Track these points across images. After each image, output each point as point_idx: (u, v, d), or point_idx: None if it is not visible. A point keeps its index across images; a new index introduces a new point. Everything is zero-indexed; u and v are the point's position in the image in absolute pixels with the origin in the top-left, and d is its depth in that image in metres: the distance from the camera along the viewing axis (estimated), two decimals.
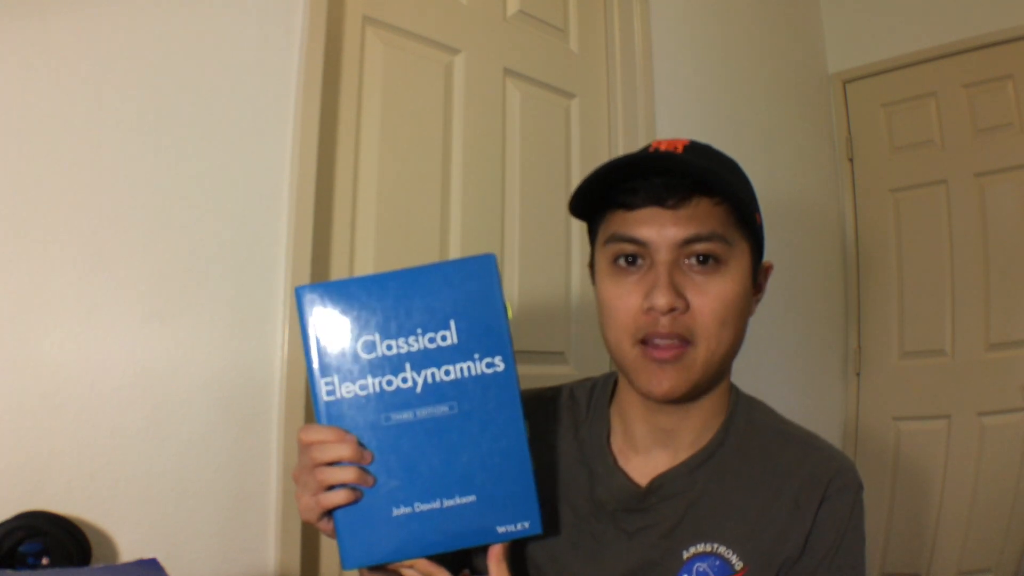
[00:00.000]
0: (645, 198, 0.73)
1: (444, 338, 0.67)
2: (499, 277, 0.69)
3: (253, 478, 1.27)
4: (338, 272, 1.46)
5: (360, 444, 0.66)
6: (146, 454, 1.16)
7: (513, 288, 1.74)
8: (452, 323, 0.67)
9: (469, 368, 0.68)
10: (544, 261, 1.80)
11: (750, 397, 0.85)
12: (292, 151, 1.35)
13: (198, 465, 1.21)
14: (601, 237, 0.78)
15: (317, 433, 0.66)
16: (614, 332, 0.76)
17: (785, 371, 2.34)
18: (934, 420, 2.39)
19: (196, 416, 1.21)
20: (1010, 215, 2.32)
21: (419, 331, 0.67)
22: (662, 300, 0.71)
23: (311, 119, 1.37)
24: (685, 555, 0.76)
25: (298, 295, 0.68)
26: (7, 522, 0.99)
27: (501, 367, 0.68)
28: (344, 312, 0.67)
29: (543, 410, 0.86)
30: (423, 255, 1.58)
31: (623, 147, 1.95)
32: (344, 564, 0.67)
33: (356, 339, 0.67)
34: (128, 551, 1.13)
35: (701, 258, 0.73)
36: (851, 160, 2.67)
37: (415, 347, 0.67)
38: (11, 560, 0.97)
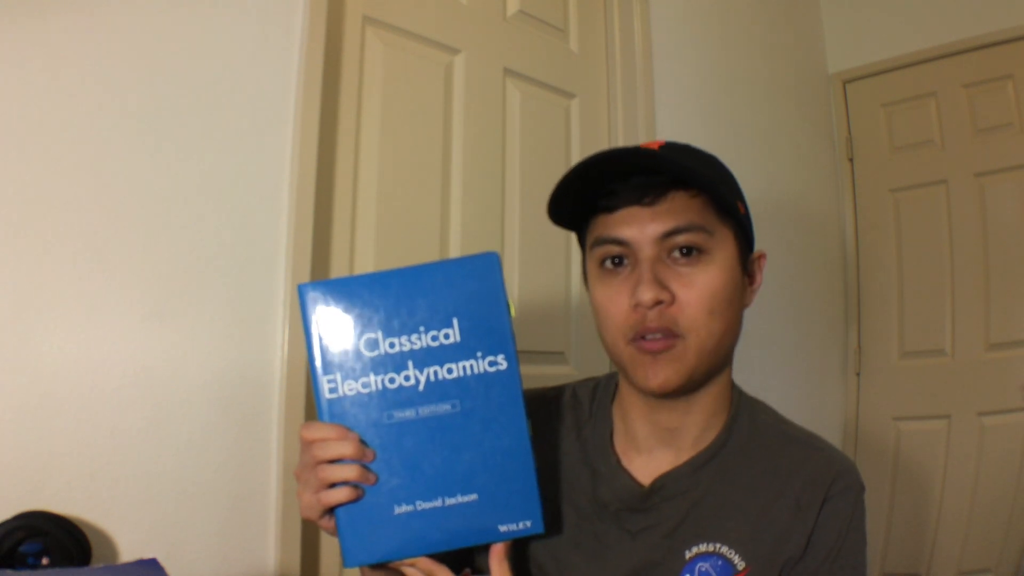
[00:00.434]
0: (624, 199, 0.74)
1: (447, 336, 0.67)
2: (502, 275, 0.69)
3: (253, 478, 1.27)
4: (338, 272, 1.46)
5: (362, 442, 0.66)
6: (146, 454, 1.16)
7: (513, 288, 1.74)
8: (455, 321, 0.67)
9: (472, 366, 0.68)
10: (544, 261, 1.80)
11: (752, 398, 0.86)
12: (292, 151, 1.35)
13: (198, 465, 1.21)
14: (588, 242, 0.80)
15: (319, 431, 0.66)
16: (608, 333, 0.77)
17: (785, 371, 2.34)
18: (934, 420, 2.39)
19: (196, 416, 1.21)
20: (1010, 215, 2.32)
21: (422, 329, 0.67)
22: (646, 295, 0.71)
23: (311, 119, 1.37)
24: (687, 555, 0.76)
25: (301, 292, 0.68)
26: (7, 522, 0.99)
27: (504, 365, 0.68)
28: (347, 310, 0.67)
29: (546, 410, 0.86)
30: (423, 255, 1.57)
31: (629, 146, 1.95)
32: (345, 562, 0.67)
33: (359, 337, 0.67)
34: (128, 551, 1.13)
35: (684, 250, 0.74)
36: (851, 160, 2.67)
37: (418, 345, 0.67)
38: (11, 560, 0.97)
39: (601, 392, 0.87)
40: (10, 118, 1.09)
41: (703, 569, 0.75)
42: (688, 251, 0.74)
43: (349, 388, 0.67)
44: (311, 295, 0.68)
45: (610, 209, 0.76)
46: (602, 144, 1.97)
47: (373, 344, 0.67)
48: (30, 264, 1.08)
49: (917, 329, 2.47)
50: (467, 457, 0.67)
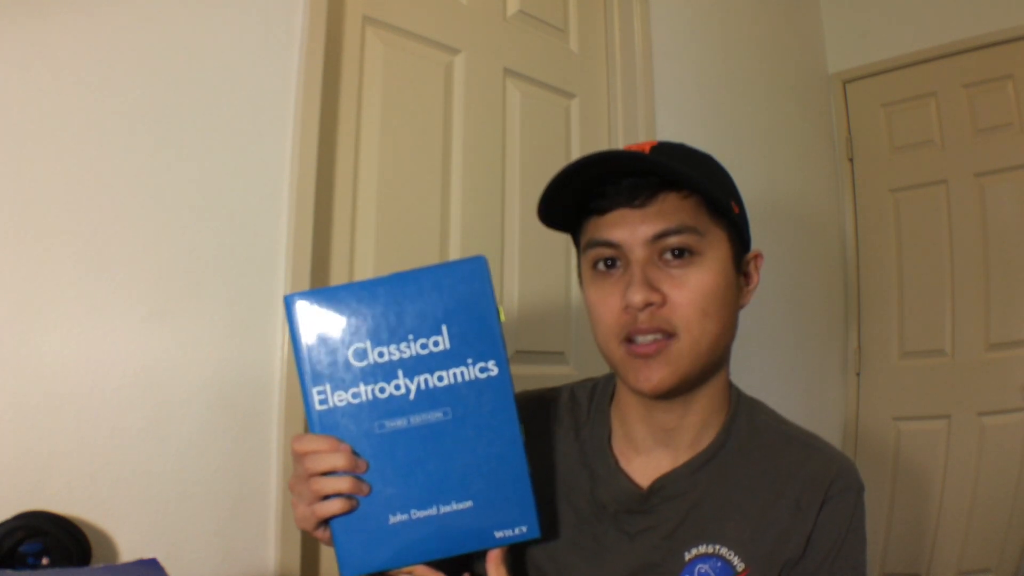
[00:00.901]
0: (614, 200, 0.74)
1: (436, 344, 0.67)
2: (491, 280, 0.68)
3: (253, 478, 1.27)
4: (338, 272, 1.45)
5: (354, 453, 0.66)
6: (146, 454, 1.16)
7: (513, 288, 1.74)
8: (444, 328, 0.67)
9: (462, 373, 0.67)
10: (544, 261, 1.80)
11: (751, 398, 0.85)
12: (292, 151, 1.35)
13: (198, 465, 1.21)
14: (581, 244, 0.80)
15: (310, 443, 0.66)
16: (601, 335, 0.77)
17: (785, 371, 2.34)
18: (934, 420, 2.39)
19: (196, 416, 1.21)
20: (1010, 215, 2.32)
21: (411, 337, 0.67)
22: (636, 297, 0.71)
23: (311, 119, 1.37)
24: (687, 556, 0.76)
25: (287, 303, 0.67)
26: (7, 522, 0.99)
27: (495, 371, 0.67)
28: (334, 319, 0.67)
29: (544, 411, 0.86)
30: (423, 255, 1.58)
31: (623, 147, 1.95)
32: (342, 573, 0.67)
33: (347, 347, 0.66)
34: (128, 551, 1.13)
35: (676, 252, 0.74)
36: (851, 160, 2.67)
37: (407, 353, 0.67)
38: (11, 560, 0.97)
39: (599, 393, 0.87)
40: (10, 118, 1.08)
41: (702, 570, 0.75)
42: (679, 253, 0.74)
43: (339, 399, 0.66)
44: (298, 305, 0.67)
45: (601, 211, 0.76)
46: (602, 144, 1.97)
47: (362, 354, 0.66)
48: (30, 264, 1.08)
49: (917, 329, 2.47)
50: (461, 464, 0.67)
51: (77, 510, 1.08)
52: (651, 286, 0.72)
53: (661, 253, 0.74)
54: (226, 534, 1.23)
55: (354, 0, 1.52)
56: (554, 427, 0.85)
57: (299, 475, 0.67)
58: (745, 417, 0.82)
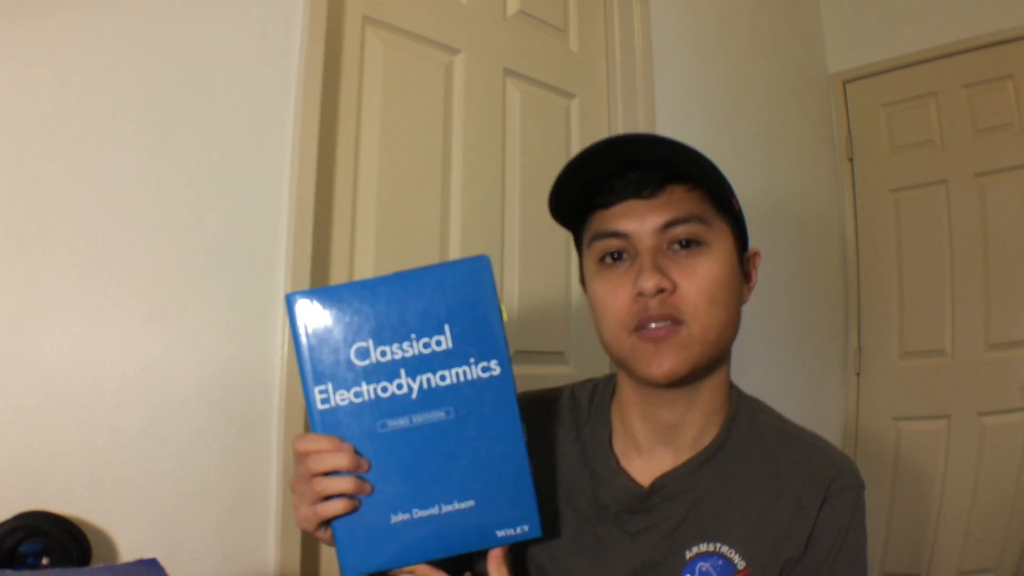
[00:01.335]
0: (622, 193, 0.75)
1: (439, 343, 0.67)
2: (493, 279, 0.68)
3: (253, 478, 1.27)
4: (338, 271, 1.45)
5: (356, 453, 0.66)
6: (146, 454, 1.16)
7: (513, 288, 1.74)
8: (447, 327, 0.67)
9: (465, 373, 0.67)
10: (544, 261, 1.80)
11: (751, 397, 0.85)
12: (292, 151, 1.35)
13: (198, 465, 1.21)
14: (586, 239, 0.79)
15: (312, 443, 0.66)
16: (609, 326, 0.76)
17: (785, 371, 2.34)
18: (934, 420, 2.39)
19: (196, 416, 1.21)
20: (1010, 215, 2.32)
21: (413, 336, 0.66)
22: (649, 283, 0.71)
23: (311, 119, 1.37)
24: (688, 555, 0.76)
25: (288, 302, 0.67)
26: (7, 522, 0.99)
27: (497, 371, 0.67)
28: (336, 319, 0.66)
29: (544, 412, 0.86)
30: (423, 255, 1.58)
31: None
32: (344, 573, 0.67)
33: (349, 346, 0.66)
34: (128, 551, 1.13)
35: (684, 242, 0.75)
36: (851, 160, 2.67)
37: (409, 353, 0.66)
38: (11, 560, 0.97)
39: (599, 393, 0.87)
40: (10, 118, 1.08)
41: (703, 569, 0.75)
42: (687, 243, 0.74)
43: (341, 398, 0.66)
44: (299, 304, 0.67)
45: (608, 204, 0.76)
46: None
47: (364, 353, 0.66)
48: (30, 264, 1.08)
49: (917, 329, 2.47)
50: (463, 464, 0.67)
51: (77, 510, 1.08)
52: (662, 273, 0.73)
53: (669, 243, 0.75)
54: (226, 534, 1.23)
55: (354, 0, 1.52)
56: (555, 427, 0.85)
57: (301, 475, 0.67)
58: (745, 416, 0.82)
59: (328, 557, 1.37)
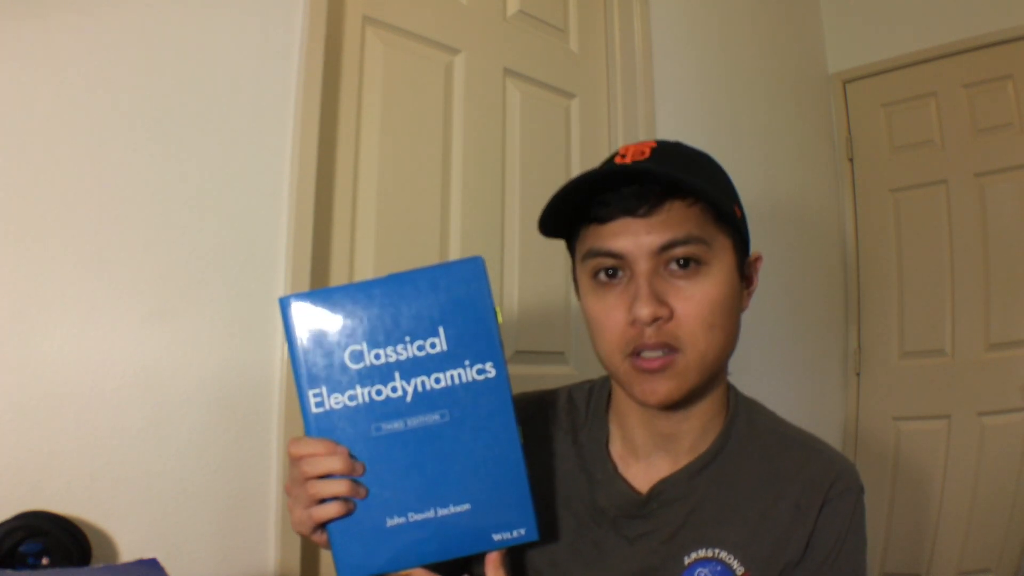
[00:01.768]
0: (616, 209, 0.72)
1: (433, 345, 0.66)
2: (488, 280, 0.67)
3: (253, 478, 1.27)
4: (338, 272, 1.45)
5: (351, 456, 0.65)
6: (146, 454, 1.16)
7: (513, 288, 1.74)
8: (441, 330, 0.66)
9: (460, 375, 0.66)
10: (544, 261, 1.80)
11: (749, 399, 0.85)
12: (292, 151, 1.35)
13: (198, 465, 1.21)
14: (579, 253, 0.78)
15: (307, 446, 0.65)
16: (604, 348, 0.75)
17: (785, 371, 2.34)
18: (934, 420, 2.39)
19: (196, 416, 1.21)
20: (1010, 215, 2.32)
21: (408, 339, 0.66)
22: (644, 311, 0.70)
23: (311, 119, 1.37)
24: (686, 560, 0.76)
25: (283, 305, 0.66)
26: (7, 522, 0.99)
27: (492, 373, 0.66)
28: (330, 321, 0.66)
29: (541, 414, 0.85)
30: (423, 255, 1.58)
31: (621, 146, 1.95)
32: None
33: (343, 349, 0.66)
34: (128, 551, 1.13)
35: (681, 262, 0.72)
36: (851, 160, 2.67)
37: (404, 355, 0.66)
38: (11, 560, 0.97)
39: (596, 396, 0.86)
40: (10, 118, 1.08)
41: (702, 574, 0.75)
42: (686, 263, 0.72)
43: (336, 401, 0.66)
44: (293, 307, 0.66)
45: (602, 220, 0.73)
46: (602, 144, 1.97)
47: (358, 356, 0.66)
48: (30, 264, 1.08)
49: (917, 329, 2.47)
50: (458, 467, 0.66)
51: (77, 510, 1.08)
52: (659, 299, 0.70)
53: (667, 264, 0.72)
54: (226, 534, 1.23)
55: (354, 0, 1.52)
56: (552, 430, 0.85)
57: (295, 478, 0.66)
58: (744, 419, 0.82)
59: (327, 557, 1.36)
